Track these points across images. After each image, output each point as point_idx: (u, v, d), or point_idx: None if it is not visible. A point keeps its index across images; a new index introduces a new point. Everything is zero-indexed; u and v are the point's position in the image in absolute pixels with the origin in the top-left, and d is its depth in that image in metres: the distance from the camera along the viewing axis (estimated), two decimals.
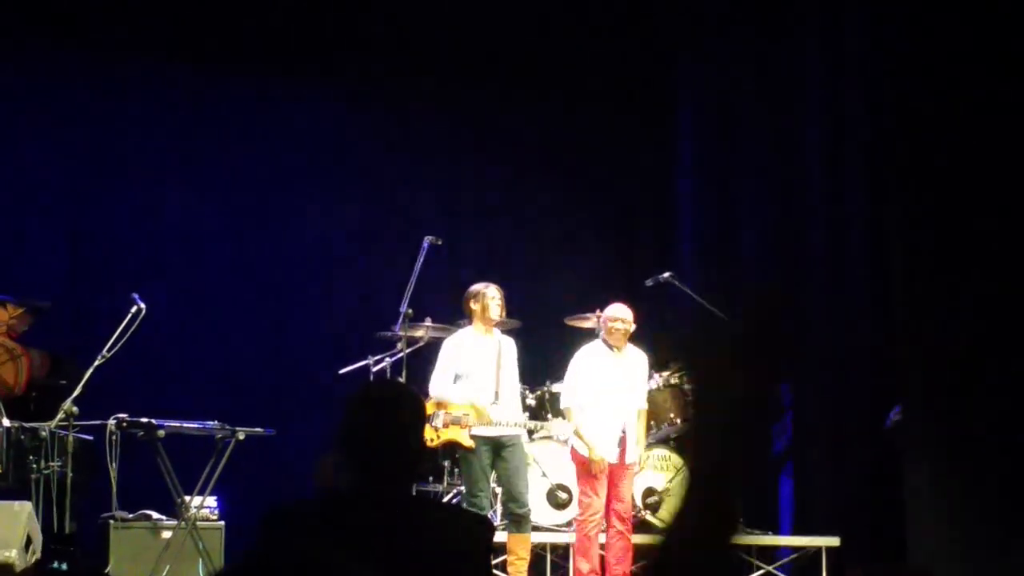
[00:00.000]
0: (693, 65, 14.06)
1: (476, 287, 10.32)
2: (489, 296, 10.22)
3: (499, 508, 10.80)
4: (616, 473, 10.07)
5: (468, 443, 10.00)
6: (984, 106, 10.38)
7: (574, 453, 10.24)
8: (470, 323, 10.42)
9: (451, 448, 11.38)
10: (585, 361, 10.38)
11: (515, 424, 10.19)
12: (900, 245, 11.31)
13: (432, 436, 10.14)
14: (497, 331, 10.36)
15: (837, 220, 12.12)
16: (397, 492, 4.13)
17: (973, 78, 10.70)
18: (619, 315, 10.38)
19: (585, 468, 10.07)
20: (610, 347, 10.34)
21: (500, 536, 10.26)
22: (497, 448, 10.05)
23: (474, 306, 10.25)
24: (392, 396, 4.28)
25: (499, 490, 10.69)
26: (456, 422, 10.06)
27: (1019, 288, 10.34)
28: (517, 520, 10.02)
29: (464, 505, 9.93)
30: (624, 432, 10.21)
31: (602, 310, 11.36)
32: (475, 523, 4.32)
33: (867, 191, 11.87)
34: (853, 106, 11.98)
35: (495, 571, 9.87)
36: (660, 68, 14.25)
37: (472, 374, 10.15)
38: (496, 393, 10.12)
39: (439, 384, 10.21)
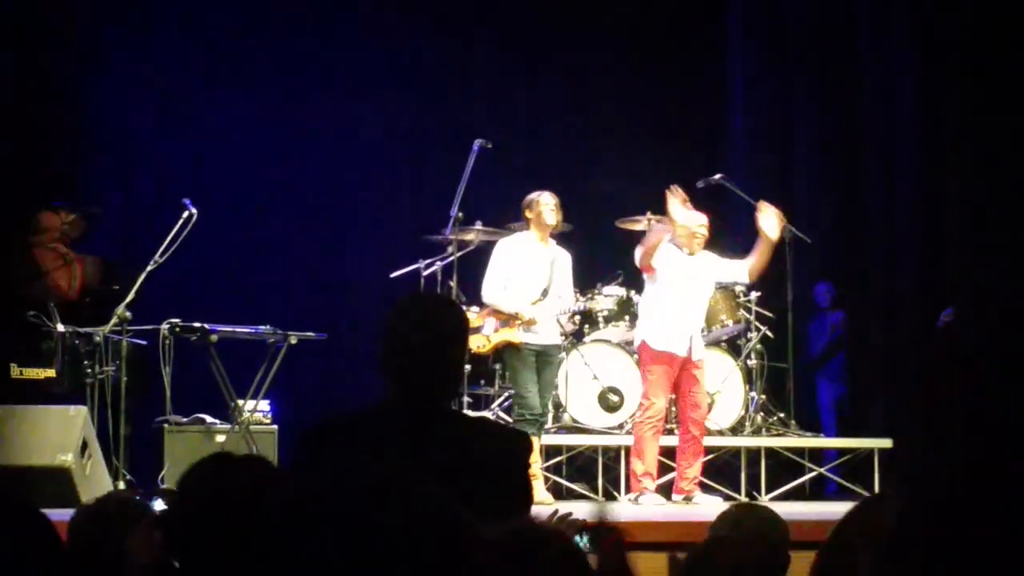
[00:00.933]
0: None
1: (531, 195, 10.24)
2: (543, 203, 10.13)
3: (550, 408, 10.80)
4: (685, 370, 9.90)
5: (519, 340, 9.98)
6: None
7: (645, 349, 10.00)
8: (527, 229, 10.36)
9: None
10: (665, 255, 10.08)
11: (559, 333, 10.22)
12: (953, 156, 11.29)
13: (484, 343, 10.16)
14: (553, 242, 10.29)
15: (889, 120, 12.05)
16: (435, 407, 4.06)
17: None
18: (703, 222, 10.21)
19: (653, 366, 9.97)
20: (680, 247, 10.14)
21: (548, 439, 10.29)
22: (537, 356, 10.04)
23: (529, 214, 10.19)
24: (433, 309, 4.22)
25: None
26: (506, 324, 10.06)
27: None
28: (529, 425, 10.06)
29: (515, 406, 9.95)
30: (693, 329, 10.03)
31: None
32: (513, 438, 4.29)
33: (922, 95, 11.79)
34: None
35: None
36: None
37: (524, 281, 10.11)
38: (538, 299, 10.08)
39: (490, 290, 10.20)
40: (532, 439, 9.61)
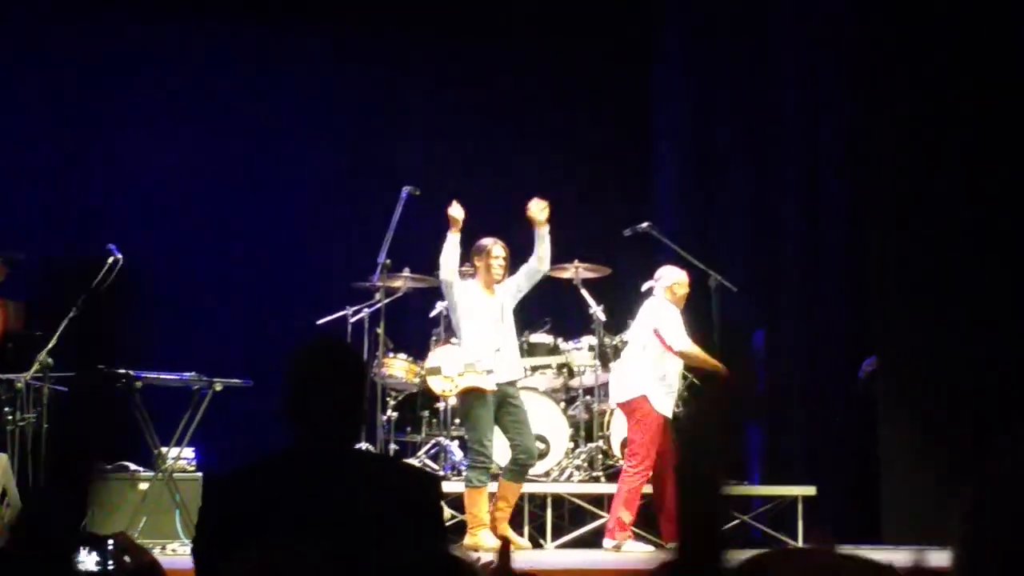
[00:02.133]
0: (676, 11, 14.01)
1: (483, 242, 10.24)
2: (493, 256, 10.16)
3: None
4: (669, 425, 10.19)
5: (489, 387, 9.96)
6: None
7: (646, 406, 10.15)
8: (473, 276, 10.33)
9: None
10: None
11: (519, 371, 10.34)
12: (874, 195, 11.42)
13: (450, 387, 10.13)
14: (499, 288, 10.28)
15: (813, 166, 12.16)
16: (340, 449, 4.11)
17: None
18: (687, 280, 10.45)
19: (652, 423, 10.08)
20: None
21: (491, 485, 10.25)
22: (502, 399, 10.03)
23: (478, 262, 10.19)
24: (331, 352, 4.27)
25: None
26: (471, 367, 10.01)
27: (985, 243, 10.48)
28: (522, 470, 10.09)
29: (472, 452, 9.93)
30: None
31: (581, 260, 11.42)
32: (423, 478, 4.34)
33: (844, 137, 11.93)
34: (830, 61, 12.04)
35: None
36: (641, 14, 14.17)
37: (477, 332, 10.11)
38: (497, 348, 10.09)
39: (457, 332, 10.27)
40: (481, 487, 9.66)
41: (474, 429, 10.00)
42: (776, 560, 2.51)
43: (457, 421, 11.35)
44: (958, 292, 10.59)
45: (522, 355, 11.59)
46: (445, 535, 4.18)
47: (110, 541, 4.89)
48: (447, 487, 10.41)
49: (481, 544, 9.57)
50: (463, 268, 10.64)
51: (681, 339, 10.19)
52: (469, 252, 10.34)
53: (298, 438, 4.08)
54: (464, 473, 9.99)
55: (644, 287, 10.62)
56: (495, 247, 10.18)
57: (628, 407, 10.26)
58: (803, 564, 2.45)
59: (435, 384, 10.31)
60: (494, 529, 9.82)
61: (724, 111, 13.31)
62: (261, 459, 4.23)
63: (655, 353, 10.20)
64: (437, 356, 10.60)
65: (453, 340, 10.43)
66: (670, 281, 10.42)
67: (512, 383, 10.15)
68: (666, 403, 10.18)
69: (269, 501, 3.93)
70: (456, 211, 10.07)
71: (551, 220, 10.20)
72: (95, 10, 12.97)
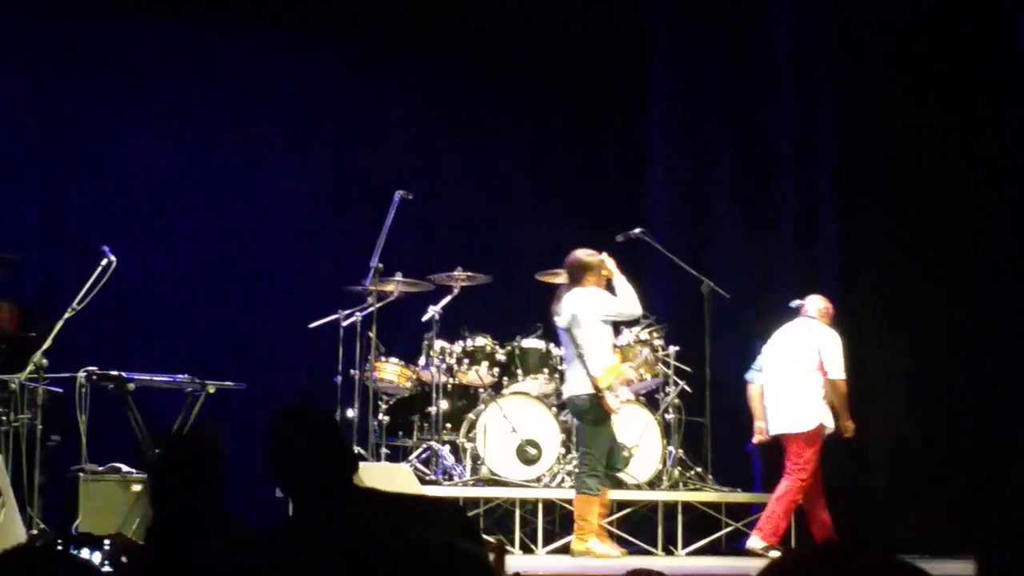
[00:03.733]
0: (664, 17, 14.02)
1: (592, 257, 10.17)
2: (607, 267, 10.15)
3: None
4: None
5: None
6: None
7: (821, 432, 10.33)
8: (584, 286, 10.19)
9: (424, 399, 11.45)
10: None
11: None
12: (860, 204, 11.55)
13: (617, 404, 10.07)
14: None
15: (809, 177, 12.19)
16: (333, 519, 3.96)
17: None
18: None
19: (818, 445, 10.28)
20: None
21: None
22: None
23: (591, 277, 10.10)
24: (307, 428, 4.20)
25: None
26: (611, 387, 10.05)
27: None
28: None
29: (590, 461, 9.88)
30: None
31: None
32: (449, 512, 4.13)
33: (836, 146, 11.98)
34: (826, 62, 12.10)
35: None
36: (631, 19, 14.19)
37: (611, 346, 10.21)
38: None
39: None
40: (597, 496, 9.86)
41: (602, 440, 9.98)
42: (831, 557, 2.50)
43: (449, 425, 11.38)
44: (941, 323, 10.90)
45: (513, 360, 11.64)
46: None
47: (106, 541, 4.92)
48: (438, 492, 10.44)
49: (592, 550, 9.71)
50: (434, 276, 10.67)
51: (841, 369, 10.31)
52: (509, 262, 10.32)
53: (297, 513, 3.96)
54: (582, 480, 9.94)
55: (793, 304, 10.70)
56: (607, 259, 10.19)
57: (809, 436, 10.33)
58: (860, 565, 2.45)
59: (613, 403, 10.09)
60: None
61: (717, 115, 13.32)
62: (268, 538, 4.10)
63: (819, 379, 10.36)
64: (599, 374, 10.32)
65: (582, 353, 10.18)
66: (824, 303, 10.55)
67: None
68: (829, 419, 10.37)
69: None
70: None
71: (546, 223, 10.18)
72: (89, 16, 12.95)
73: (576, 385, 9.98)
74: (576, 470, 10.21)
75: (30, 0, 12.78)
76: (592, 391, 9.84)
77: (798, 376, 10.39)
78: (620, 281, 10.13)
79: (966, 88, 11.47)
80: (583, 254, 10.18)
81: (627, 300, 10.07)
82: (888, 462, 11.32)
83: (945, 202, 11.51)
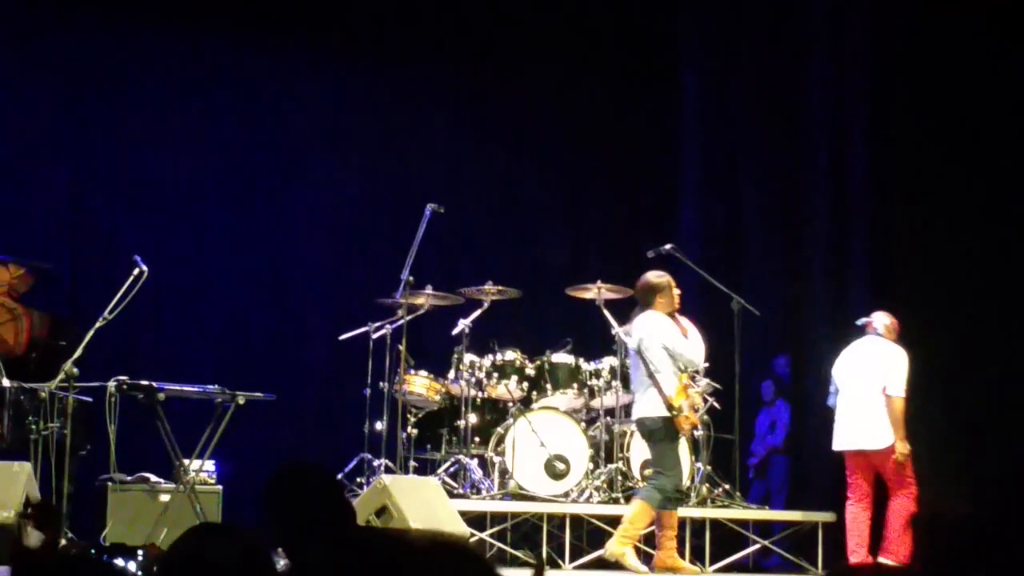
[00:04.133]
0: (697, 34, 14.01)
1: (661, 279, 10.17)
2: (675, 288, 10.18)
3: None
4: None
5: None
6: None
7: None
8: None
9: (453, 413, 11.46)
10: None
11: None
12: (900, 229, 11.50)
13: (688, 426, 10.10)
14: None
15: (840, 193, 12.15)
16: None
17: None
18: None
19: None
20: None
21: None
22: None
23: (660, 299, 10.10)
24: (306, 485, 4.15)
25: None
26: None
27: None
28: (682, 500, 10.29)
29: (672, 481, 9.88)
30: None
31: (603, 281, 11.43)
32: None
33: (869, 166, 11.94)
34: (857, 79, 12.07)
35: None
36: (663, 36, 14.19)
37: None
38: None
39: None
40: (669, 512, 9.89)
41: (673, 459, 9.99)
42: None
43: (477, 439, 11.37)
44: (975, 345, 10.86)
45: (543, 375, 11.63)
46: None
47: (140, 551, 4.92)
48: (466, 505, 10.42)
49: (626, 558, 9.74)
50: (465, 290, 10.68)
51: (902, 387, 10.28)
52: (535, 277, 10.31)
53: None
54: (651, 493, 9.88)
55: (859, 322, 10.65)
56: (670, 280, 10.22)
57: (895, 449, 10.30)
58: None
59: (686, 425, 10.08)
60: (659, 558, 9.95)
61: (748, 132, 13.29)
62: None
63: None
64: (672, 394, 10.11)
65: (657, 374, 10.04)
66: (889, 319, 10.51)
67: None
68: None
69: None
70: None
71: (577, 239, 10.16)
72: (122, 30, 13.00)
73: (648, 407, 9.97)
74: (644, 483, 10.14)
75: (61, 15, 12.81)
76: (666, 413, 9.86)
77: (872, 393, 10.34)
78: (694, 331, 10.19)
79: (998, 104, 11.41)
80: (652, 276, 10.23)
81: (694, 347, 10.11)
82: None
83: (981, 224, 11.44)
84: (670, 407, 9.82)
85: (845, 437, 10.47)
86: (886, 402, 10.23)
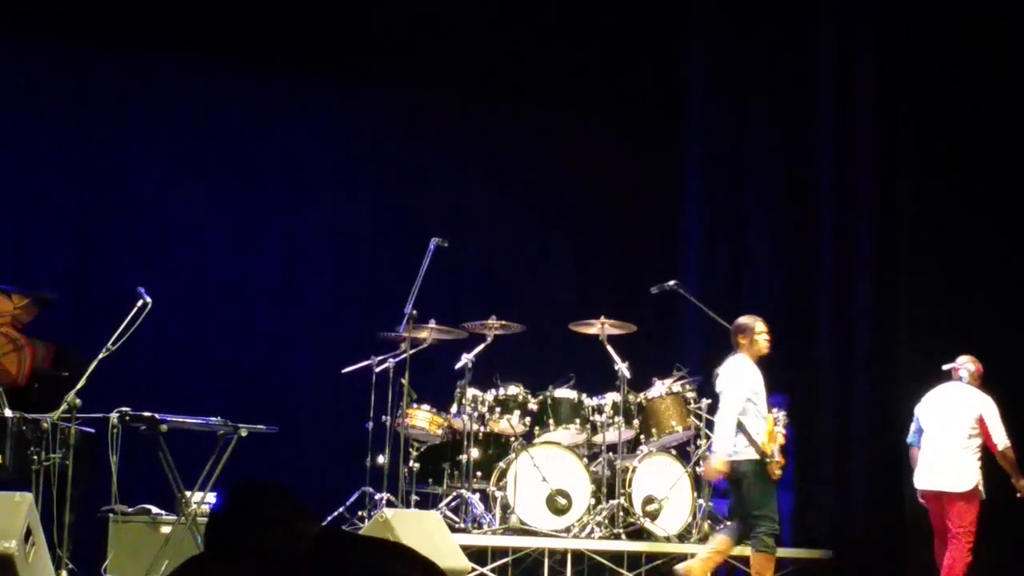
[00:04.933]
0: (702, 71, 14.05)
1: (747, 322, 10.19)
2: (757, 332, 10.13)
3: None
4: None
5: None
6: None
7: (979, 492, 10.26)
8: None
9: (455, 447, 11.42)
10: None
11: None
12: (906, 262, 11.47)
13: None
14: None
15: (847, 229, 12.16)
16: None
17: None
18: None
19: (978, 499, 10.21)
20: None
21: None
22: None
23: (743, 340, 10.12)
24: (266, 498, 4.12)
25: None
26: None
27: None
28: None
29: (765, 522, 9.86)
30: None
31: (607, 317, 11.42)
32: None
33: (876, 201, 11.95)
34: (864, 116, 12.08)
35: None
36: (668, 74, 14.24)
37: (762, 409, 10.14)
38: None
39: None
40: (773, 553, 9.91)
41: (767, 499, 9.97)
42: None
43: (479, 474, 11.35)
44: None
45: (545, 410, 11.62)
46: None
47: None
48: (467, 540, 10.41)
49: None
50: (467, 324, 10.69)
51: (1005, 436, 10.28)
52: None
53: None
54: (760, 539, 9.85)
55: (945, 367, 10.62)
56: (758, 323, 10.19)
57: (968, 497, 10.24)
58: None
59: (778, 471, 10.05)
60: None
61: (753, 168, 13.32)
62: None
63: (980, 441, 10.28)
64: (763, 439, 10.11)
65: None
66: (974, 365, 10.49)
67: None
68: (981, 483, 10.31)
69: None
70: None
71: (580, 274, 10.12)
72: (128, 61, 13.05)
73: (737, 449, 9.95)
74: (753, 533, 9.98)
75: (69, 48, 12.86)
76: (755, 456, 9.87)
77: (958, 440, 10.31)
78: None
79: (1006, 127, 11.40)
80: (742, 317, 10.27)
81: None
82: None
83: (988, 257, 11.43)
84: (763, 454, 9.84)
85: (925, 477, 10.45)
86: (999, 456, 10.27)
